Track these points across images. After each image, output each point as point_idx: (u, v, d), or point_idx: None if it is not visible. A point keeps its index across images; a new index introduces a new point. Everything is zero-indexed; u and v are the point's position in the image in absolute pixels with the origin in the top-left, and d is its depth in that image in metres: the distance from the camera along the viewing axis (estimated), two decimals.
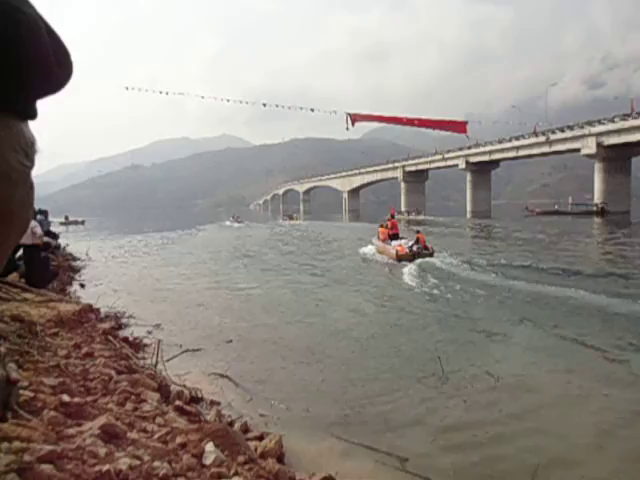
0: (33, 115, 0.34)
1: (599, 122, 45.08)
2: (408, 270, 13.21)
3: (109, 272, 14.95)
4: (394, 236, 16.87)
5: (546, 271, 12.66)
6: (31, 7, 0.32)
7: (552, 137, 50.36)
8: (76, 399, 2.67)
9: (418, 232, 16.55)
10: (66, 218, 52.97)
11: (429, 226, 35.70)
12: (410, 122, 20.19)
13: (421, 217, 49.38)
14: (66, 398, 2.51)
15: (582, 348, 6.24)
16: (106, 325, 7.02)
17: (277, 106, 24.52)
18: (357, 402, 4.45)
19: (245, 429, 3.74)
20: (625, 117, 42.39)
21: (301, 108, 24.39)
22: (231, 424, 3.89)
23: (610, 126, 43.33)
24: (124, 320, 7.80)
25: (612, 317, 7.85)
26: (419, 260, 14.35)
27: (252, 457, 2.80)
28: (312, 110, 21.81)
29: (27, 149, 0.35)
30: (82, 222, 56.37)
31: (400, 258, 14.80)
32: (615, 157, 44.44)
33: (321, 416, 4.14)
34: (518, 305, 9.00)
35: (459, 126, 19.98)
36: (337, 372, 5.43)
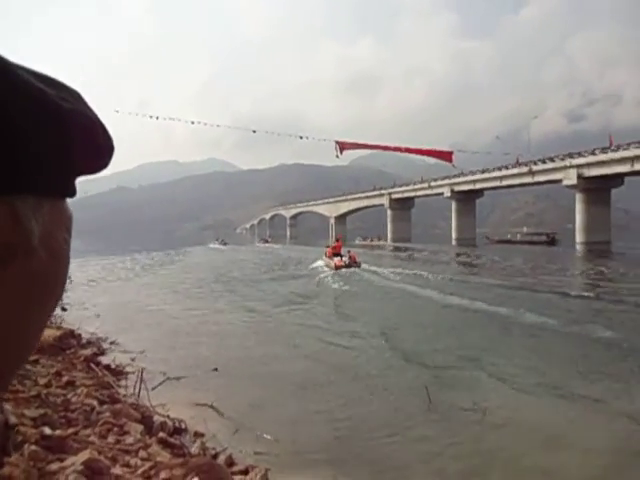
0: (75, 194, 0.38)
1: (580, 154, 46.39)
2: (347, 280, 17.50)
3: (93, 295, 14.70)
4: (336, 254, 22.83)
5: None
6: (87, 107, 0.37)
7: (534, 168, 51.56)
8: (58, 432, 2.59)
9: (349, 251, 22.85)
10: None
11: (399, 251, 36.51)
12: (398, 149, 20.75)
13: (382, 242, 58.49)
14: (47, 431, 2.44)
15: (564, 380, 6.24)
16: (88, 352, 6.86)
17: (267, 132, 24.82)
18: (345, 436, 4.38)
19: (230, 462, 3.64)
20: (605, 150, 43.72)
21: (290, 135, 24.68)
22: (215, 457, 3.79)
23: (590, 158, 44.58)
24: (106, 346, 7.65)
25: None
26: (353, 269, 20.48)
27: None
28: (301, 137, 22.14)
29: (68, 224, 0.39)
30: None
31: (338, 268, 20.71)
32: (595, 188, 45.56)
33: (309, 450, 4.05)
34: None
35: (445, 155, 20.52)
36: (322, 402, 5.35)
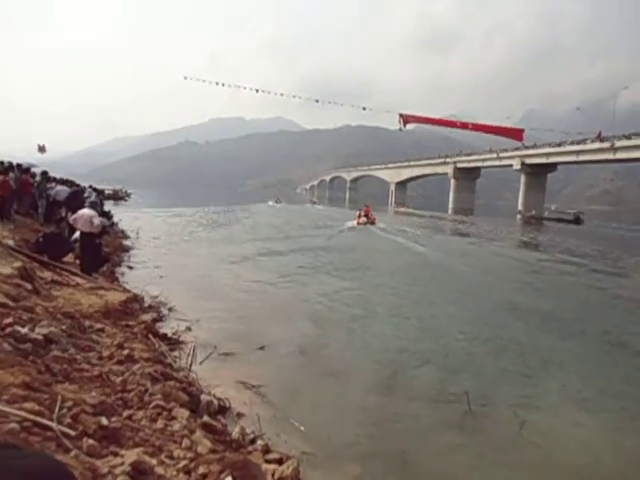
0: None
1: None
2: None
3: (157, 254, 15.49)
4: (365, 215, 31.84)
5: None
6: None
7: (618, 144, 47.63)
8: (114, 419, 2.91)
9: (372, 215, 32.19)
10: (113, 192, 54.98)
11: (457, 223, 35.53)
12: (464, 126, 19.74)
13: (404, 209, 66.89)
14: (104, 422, 2.75)
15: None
16: (148, 317, 7.43)
17: (329, 102, 24.64)
18: (383, 436, 4.51)
19: (266, 449, 3.91)
20: None
21: (353, 106, 24.34)
22: (253, 441, 4.09)
23: None
24: (165, 312, 8.18)
25: None
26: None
27: None
28: (364, 109, 21.69)
29: None
30: (128, 195, 59.43)
31: (359, 224, 30.23)
32: None
33: (345, 446, 4.22)
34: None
35: (515, 133, 19.36)
36: (367, 395, 5.42)
